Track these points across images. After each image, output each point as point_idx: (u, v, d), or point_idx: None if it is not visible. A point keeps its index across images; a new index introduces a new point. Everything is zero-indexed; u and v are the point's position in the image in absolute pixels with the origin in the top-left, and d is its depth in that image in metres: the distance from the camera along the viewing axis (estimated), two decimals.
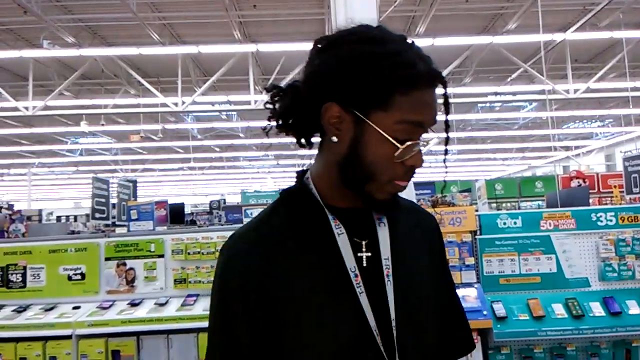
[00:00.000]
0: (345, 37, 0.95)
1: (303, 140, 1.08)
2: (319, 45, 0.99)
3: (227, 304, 0.97)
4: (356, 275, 0.94)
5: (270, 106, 1.06)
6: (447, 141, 1.00)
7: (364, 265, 0.97)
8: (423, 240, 1.10)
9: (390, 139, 0.90)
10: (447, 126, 0.97)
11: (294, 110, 1.03)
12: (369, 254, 0.98)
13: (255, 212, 4.95)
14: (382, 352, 0.92)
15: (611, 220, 3.37)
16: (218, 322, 0.98)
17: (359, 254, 0.97)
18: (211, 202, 12.03)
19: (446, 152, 1.03)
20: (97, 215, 5.79)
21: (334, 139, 0.95)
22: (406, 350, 0.95)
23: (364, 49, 0.91)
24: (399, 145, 0.90)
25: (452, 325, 1.15)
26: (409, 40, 0.96)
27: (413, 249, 1.06)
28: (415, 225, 1.11)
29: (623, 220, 3.37)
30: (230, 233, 3.47)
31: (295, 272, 0.95)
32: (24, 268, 3.72)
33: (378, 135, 0.91)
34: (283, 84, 1.08)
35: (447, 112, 0.96)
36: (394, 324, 0.94)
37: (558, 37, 10.69)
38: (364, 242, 0.98)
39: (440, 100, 0.96)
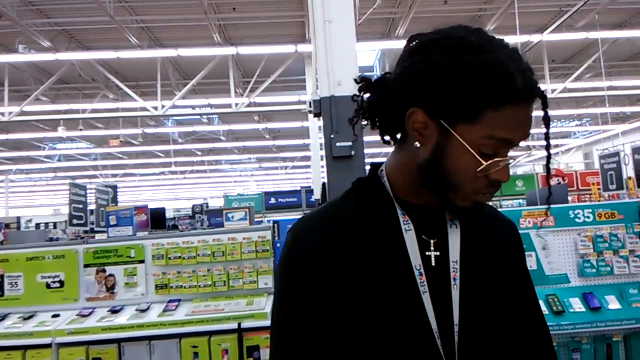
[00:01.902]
0: (439, 41, 0.88)
1: (387, 137, 1.03)
2: (413, 44, 0.94)
3: (291, 276, 0.96)
4: (420, 274, 0.91)
5: (358, 99, 1.02)
6: (548, 160, 0.96)
7: (432, 264, 0.93)
8: (499, 248, 1.04)
9: (475, 154, 0.85)
10: (548, 144, 0.94)
11: (379, 108, 0.99)
12: (437, 253, 0.94)
13: (237, 215, 4.93)
14: (441, 355, 0.89)
15: (588, 217, 3.41)
16: (282, 292, 0.98)
17: (427, 253, 0.94)
18: (194, 206, 11.95)
19: (548, 171, 0.98)
20: (75, 221, 5.70)
21: (417, 144, 0.91)
22: (467, 357, 0.90)
23: (457, 57, 0.84)
24: (482, 161, 0.86)
25: (533, 339, 1.08)
26: (510, 48, 0.89)
27: (486, 256, 1.00)
28: (492, 231, 1.05)
29: (600, 217, 3.42)
30: (211, 237, 3.42)
31: (358, 261, 0.92)
32: (1, 276, 3.65)
33: (462, 148, 0.86)
34: (374, 77, 1.01)
35: (547, 128, 0.92)
36: (456, 329, 0.90)
37: (535, 38, 10.86)
38: (432, 241, 0.95)
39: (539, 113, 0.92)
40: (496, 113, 0.83)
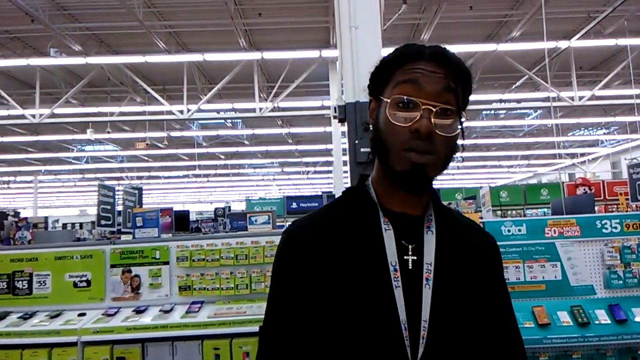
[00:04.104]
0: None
1: None
2: None
3: (283, 271, 1.07)
4: (395, 270, 1.00)
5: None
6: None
7: (410, 267, 1.02)
8: (475, 258, 1.11)
9: (386, 99, 1.03)
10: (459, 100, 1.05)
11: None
12: (415, 258, 1.03)
13: (260, 218, 4.97)
14: (405, 345, 0.96)
15: (616, 228, 3.35)
16: (275, 286, 1.10)
17: (405, 257, 1.03)
18: (216, 209, 12.05)
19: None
20: (103, 222, 5.80)
21: (370, 127, 1.10)
22: (432, 351, 0.97)
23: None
24: (387, 100, 1.02)
25: (504, 348, 1.13)
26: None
27: (461, 261, 1.07)
28: (470, 241, 1.13)
29: (628, 228, 3.35)
30: (234, 240, 3.46)
31: (341, 255, 1.02)
32: (30, 275, 3.74)
33: (384, 105, 1.03)
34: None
35: (465, 81, 1.05)
36: (425, 324, 0.97)
37: (562, 44, 10.71)
38: (410, 246, 1.04)
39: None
40: (400, 70, 1.04)
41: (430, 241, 1.05)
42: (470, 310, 1.03)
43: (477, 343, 1.03)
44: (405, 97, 1.00)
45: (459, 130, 1.03)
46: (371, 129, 1.09)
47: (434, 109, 0.98)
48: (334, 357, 0.98)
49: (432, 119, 0.98)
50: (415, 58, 1.03)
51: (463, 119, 1.04)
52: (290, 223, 1.14)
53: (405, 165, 0.99)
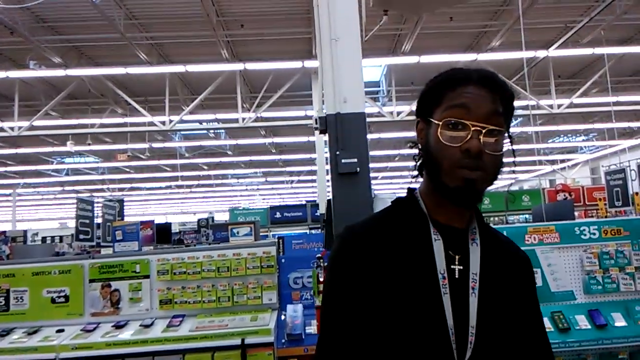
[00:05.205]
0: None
1: None
2: None
3: (339, 275, 1.12)
4: (444, 278, 1.06)
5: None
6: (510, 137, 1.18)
7: (456, 277, 1.08)
8: (513, 271, 1.18)
9: (436, 121, 1.09)
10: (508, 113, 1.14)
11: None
12: (461, 267, 1.10)
13: (242, 230, 4.94)
14: (453, 350, 1.02)
15: (594, 234, 3.40)
16: (331, 291, 1.14)
17: (452, 266, 1.09)
18: (199, 220, 11.95)
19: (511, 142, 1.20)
20: (82, 236, 5.72)
21: (419, 146, 1.17)
22: (479, 356, 1.03)
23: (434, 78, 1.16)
24: (446, 131, 1.07)
25: (538, 358, 1.19)
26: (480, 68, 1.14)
27: (503, 274, 1.15)
28: (509, 256, 1.20)
29: (606, 234, 3.40)
30: (216, 252, 3.44)
31: (393, 263, 1.08)
32: (7, 291, 3.67)
33: (435, 127, 1.09)
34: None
35: (509, 103, 1.12)
36: (472, 330, 1.04)
37: (541, 54, 10.89)
38: (457, 257, 1.10)
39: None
40: (452, 92, 1.09)
41: (475, 252, 1.12)
42: (512, 319, 1.11)
43: (518, 351, 1.12)
44: (455, 120, 1.06)
45: (505, 148, 1.11)
46: (419, 147, 1.17)
47: (482, 130, 1.05)
48: (384, 356, 1.05)
49: (481, 138, 1.05)
50: (464, 82, 1.09)
51: (507, 140, 1.15)
52: (344, 228, 1.19)
53: (457, 182, 1.06)
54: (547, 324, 3.10)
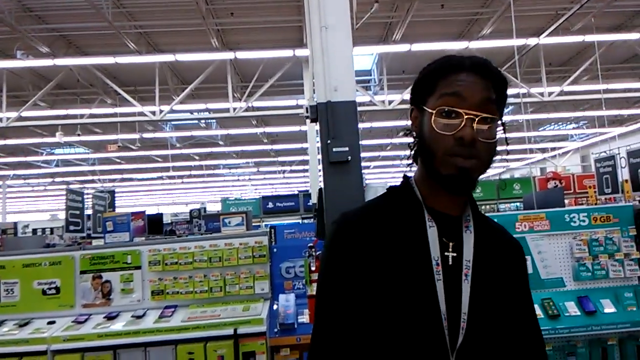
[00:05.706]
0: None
1: None
2: None
3: (334, 260, 1.12)
4: (437, 264, 1.08)
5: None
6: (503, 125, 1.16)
7: (450, 263, 1.10)
8: (506, 258, 1.19)
9: (430, 110, 1.09)
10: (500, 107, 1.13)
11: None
12: (455, 254, 1.11)
13: (234, 220, 4.93)
14: (445, 335, 1.03)
15: (584, 221, 3.42)
16: (326, 276, 1.14)
17: (445, 253, 1.10)
18: (191, 210, 11.92)
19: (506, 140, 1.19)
20: (72, 227, 5.68)
21: (414, 134, 1.17)
22: (470, 342, 1.04)
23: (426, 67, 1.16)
24: (431, 110, 1.08)
25: (528, 347, 1.21)
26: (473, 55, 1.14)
27: (495, 261, 1.16)
28: (502, 244, 1.21)
29: (595, 221, 3.43)
30: (208, 243, 3.43)
31: (388, 248, 1.09)
32: None
33: (428, 115, 1.09)
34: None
35: (502, 90, 1.12)
36: (464, 316, 1.05)
37: (532, 41, 10.89)
38: (451, 244, 1.11)
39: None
40: (444, 80, 1.09)
41: (469, 240, 1.13)
42: (504, 305, 1.13)
43: (509, 337, 1.13)
44: (449, 108, 1.07)
45: (499, 135, 1.12)
46: (414, 135, 1.17)
47: (476, 118, 1.05)
48: (378, 341, 1.06)
49: (475, 126, 1.05)
50: (457, 69, 1.10)
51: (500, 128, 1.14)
52: (339, 214, 1.19)
53: (451, 170, 1.06)
54: (537, 310, 3.12)
